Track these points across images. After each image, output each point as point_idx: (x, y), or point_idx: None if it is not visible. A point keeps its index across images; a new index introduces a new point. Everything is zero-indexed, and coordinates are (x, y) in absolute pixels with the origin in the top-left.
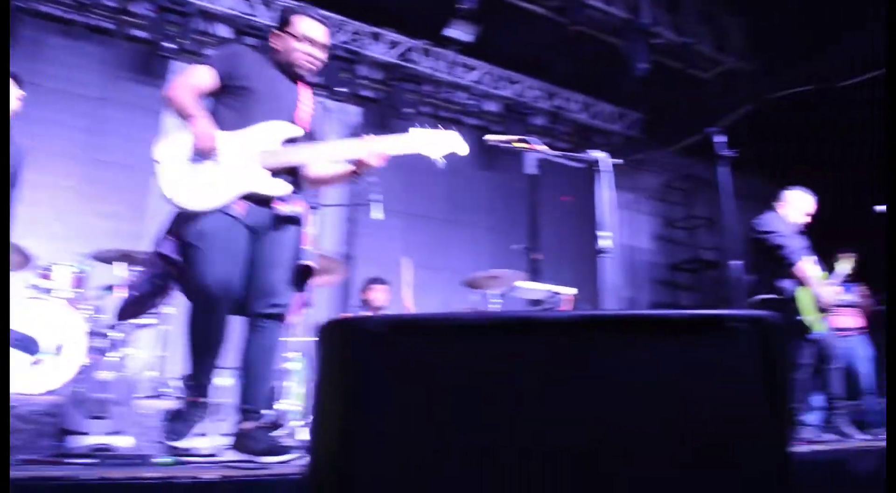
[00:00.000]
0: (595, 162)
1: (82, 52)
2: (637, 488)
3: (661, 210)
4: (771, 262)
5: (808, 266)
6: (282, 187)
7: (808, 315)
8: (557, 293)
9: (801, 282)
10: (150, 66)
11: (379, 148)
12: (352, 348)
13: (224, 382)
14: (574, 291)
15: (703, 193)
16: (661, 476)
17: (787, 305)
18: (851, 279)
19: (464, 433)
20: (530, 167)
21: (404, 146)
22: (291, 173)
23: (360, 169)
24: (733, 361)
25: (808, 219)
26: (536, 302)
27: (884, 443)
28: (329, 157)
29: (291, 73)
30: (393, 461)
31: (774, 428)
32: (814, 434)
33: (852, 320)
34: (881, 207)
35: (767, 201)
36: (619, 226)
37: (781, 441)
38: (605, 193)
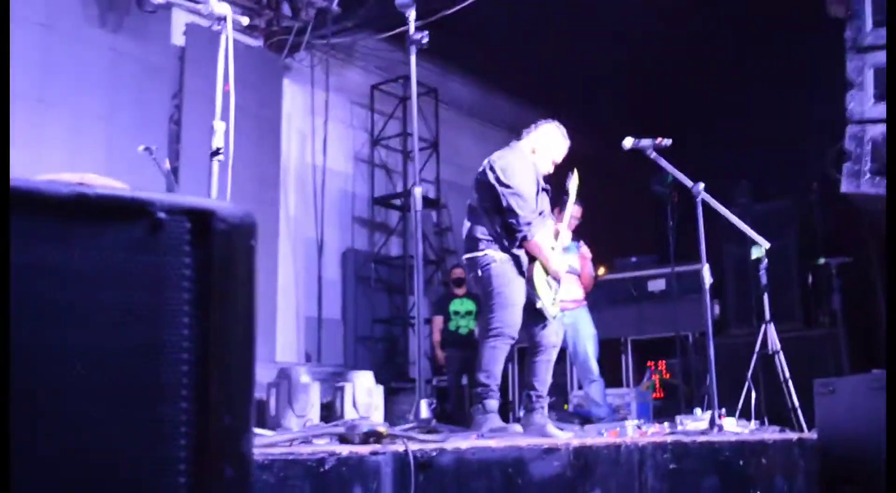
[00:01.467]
0: (219, 18)
1: None
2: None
3: (368, 122)
4: (501, 218)
5: (542, 240)
6: None
7: (544, 296)
8: None
9: (532, 257)
10: None
11: None
12: None
13: None
14: None
15: (428, 104)
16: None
17: (517, 269)
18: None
19: None
20: (177, 35)
21: None
22: None
23: None
24: (155, 263)
25: (552, 167)
26: None
27: (574, 442)
28: None
29: None
30: None
31: (204, 352)
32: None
33: (572, 288)
34: (628, 142)
35: (515, 129)
36: (308, 138)
37: (215, 363)
38: (223, 61)
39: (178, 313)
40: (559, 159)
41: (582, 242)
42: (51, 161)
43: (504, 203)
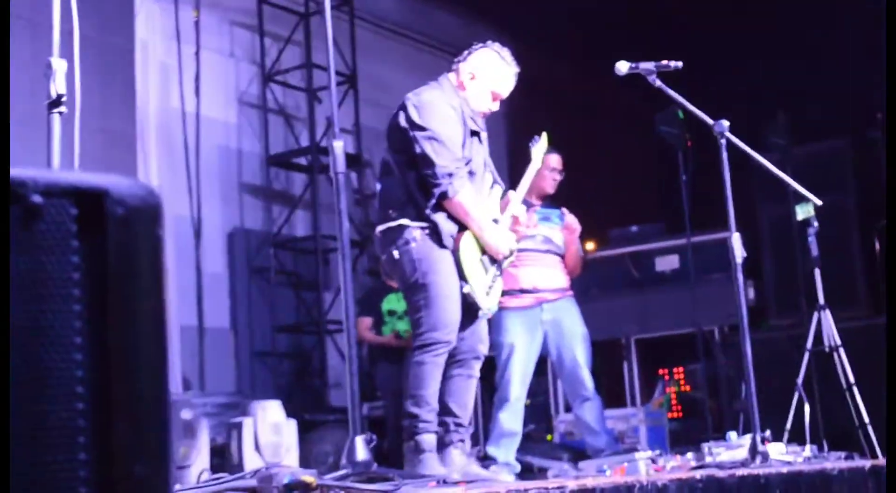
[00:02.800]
0: None
1: None
2: None
3: (256, 50)
4: (416, 173)
5: (470, 199)
6: None
7: (474, 279)
8: None
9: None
10: None
11: None
12: None
13: None
14: None
15: (340, 23)
16: None
17: (440, 247)
18: (550, 199)
19: None
20: None
21: None
22: None
23: None
24: (31, 265)
25: (497, 103)
26: None
27: (571, 485)
28: None
29: None
30: None
31: (104, 381)
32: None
33: (553, 273)
34: (623, 66)
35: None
36: (174, 75)
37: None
38: None
39: (67, 331)
40: (502, 91)
41: (566, 210)
42: None
43: (418, 150)
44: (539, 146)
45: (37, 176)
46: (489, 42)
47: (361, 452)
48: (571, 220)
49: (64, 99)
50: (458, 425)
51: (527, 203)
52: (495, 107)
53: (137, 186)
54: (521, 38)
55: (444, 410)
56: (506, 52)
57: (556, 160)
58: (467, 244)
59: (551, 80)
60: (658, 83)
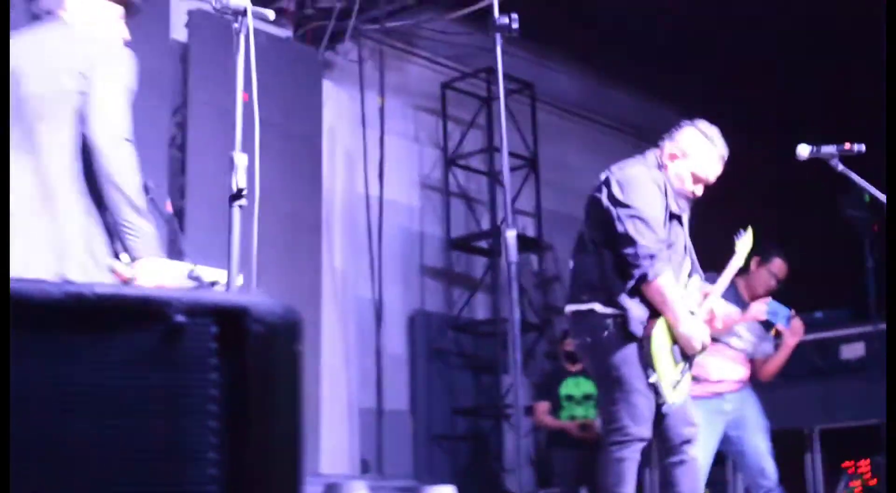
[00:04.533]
0: (235, 12)
1: None
2: None
3: (439, 134)
4: (613, 253)
5: (671, 284)
6: None
7: (663, 370)
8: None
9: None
10: None
11: None
12: None
13: None
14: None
15: (522, 106)
16: None
17: (632, 340)
18: (768, 289)
19: None
20: (178, 28)
21: None
22: None
23: None
24: (172, 381)
25: (700, 187)
26: None
27: None
28: None
29: None
30: None
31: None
32: None
33: (735, 366)
34: (804, 150)
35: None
36: (359, 160)
37: None
38: (242, 64)
39: (203, 446)
40: (708, 175)
41: (794, 312)
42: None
43: (619, 229)
44: (744, 240)
45: (180, 296)
46: (696, 121)
47: None
48: (798, 325)
49: (244, 192)
50: None
51: (741, 301)
52: (699, 191)
53: (276, 304)
54: (699, 117)
55: None
56: (713, 132)
57: (780, 268)
58: (659, 332)
59: (733, 162)
60: (840, 167)
